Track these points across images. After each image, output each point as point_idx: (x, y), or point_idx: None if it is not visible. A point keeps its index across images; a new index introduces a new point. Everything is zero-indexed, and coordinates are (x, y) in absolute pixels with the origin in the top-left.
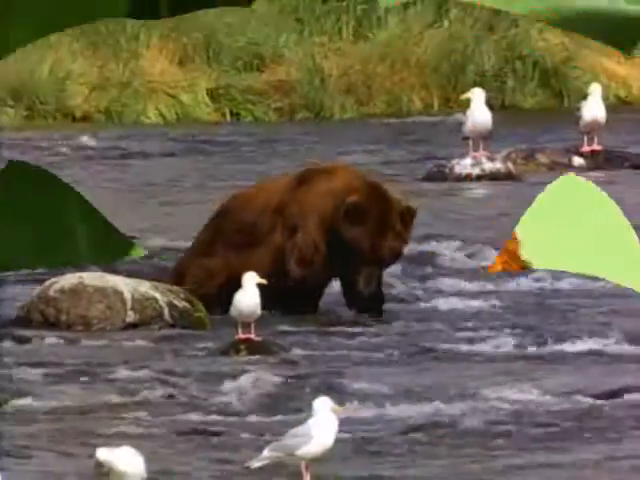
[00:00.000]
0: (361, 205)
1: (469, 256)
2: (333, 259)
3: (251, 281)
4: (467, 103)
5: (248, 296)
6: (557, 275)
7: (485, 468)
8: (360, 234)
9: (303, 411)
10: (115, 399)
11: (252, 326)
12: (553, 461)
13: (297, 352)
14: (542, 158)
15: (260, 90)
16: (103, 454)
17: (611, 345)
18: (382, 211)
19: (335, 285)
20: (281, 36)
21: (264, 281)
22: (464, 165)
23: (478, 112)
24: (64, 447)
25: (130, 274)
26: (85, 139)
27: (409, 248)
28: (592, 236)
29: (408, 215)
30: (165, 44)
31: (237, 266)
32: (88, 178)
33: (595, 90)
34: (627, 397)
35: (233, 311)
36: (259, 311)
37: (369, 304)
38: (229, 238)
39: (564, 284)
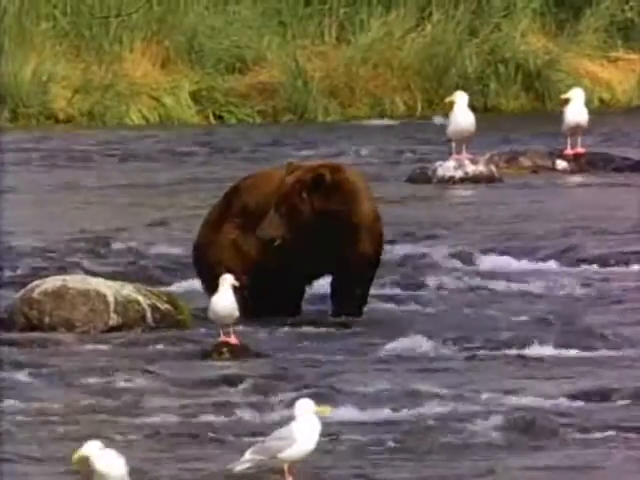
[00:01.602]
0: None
1: (452, 258)
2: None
3: (226, 283)
4: (450, 106)
5: (224, 298)
6: (539, 276)
7: (476, 470)
8: None
9: (286, 413)
10: (98, 402)
11: (231, 329)
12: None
13: (279, 354)
14: (525, 161)
15: (243, 93)
16: (88, 449)
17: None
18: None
19: (317, 286)
20: (264, 39)
21: (237, 283)
22: (447, 167)
23: (461, 115)
24: (48, 450)
25: (112, 276)
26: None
27: (391, 249)
28: None
29: (327, 184)
30: (148, 47)
31: (245, 251)
32: (69, 179)
33: (577, 94)
34: (614, 400)
35: (210, 314)
36: (236, 313)
37: (353, 304)
38: (235, 218)
39: (542, 287)
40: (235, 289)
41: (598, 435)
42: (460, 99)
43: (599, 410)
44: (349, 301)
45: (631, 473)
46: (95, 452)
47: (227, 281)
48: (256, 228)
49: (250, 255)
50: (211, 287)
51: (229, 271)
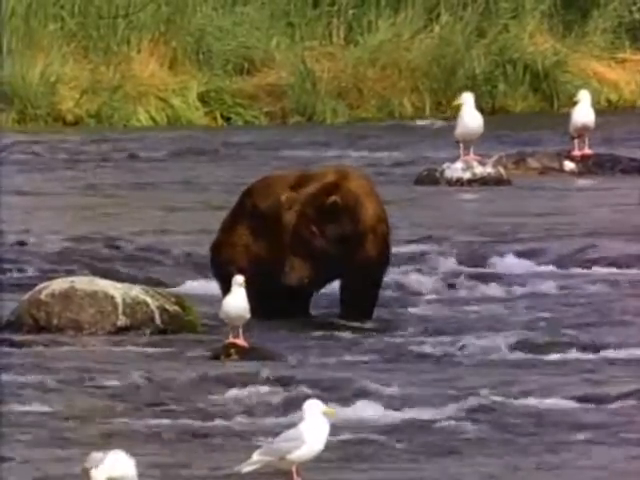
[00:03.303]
0: (286, 197)
1: (460, 260)
2: None
3: (239, 284)
4: (458, 109)
5: (236, 299)
6: (547, 278)
7: (479, 470)
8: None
9: (294, 414)
10: (106, 403)
11: (240, 330)
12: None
13: (287, 355)
14: (533, 162)
15: (251, 94)
16: (99, 475)
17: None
18: (304, 203)
19: (327, 288)
20: (272, 40)
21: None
22: (455, 169)
23: (469, 116)
24: (56, 452)
25: (120, 278)
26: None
27: (400, 251)
28: None
29: (330, 209)
30: (156, 47)
31: (255, 253)
32: (76, 180)
33: (584, 96)
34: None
35: (221, 314)
36: (248, 315)
37: (361, 306)
38: (248, 220)
39: (551, 288)
40: (246, 290)
41: (600, 435)
42: (467, 100)
43: (603, 410)
44: (358, 303)
45: (632, 473)
46: (104, 458)
47: (239, 282)
48: (267, 231)
49: (260, 257)
50: (225, 288)
51: (241, 272)
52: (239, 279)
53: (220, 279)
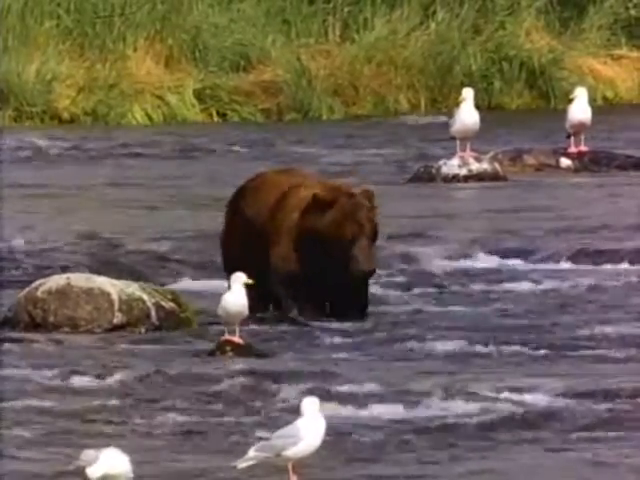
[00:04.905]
0: (323, 196)
1: (456, 257)
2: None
3: (238, 282)
4: (455, 104)
5: (235, 297)
6: (544, 274)
7: (477, 467)
8: (335, 216)
9: (290, 411)
10: (101, 400)
11: (237, 328)
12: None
13: (282, 353)
14: (529, 159)
15: (247, 91)
16: (94, 473)
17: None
18: (347, 195)
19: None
20: (268, 37)
21: (250, 281)
22: (451, 166)
23: (466, 113)
24: (51, 449)
25: (117, 275)
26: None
27: (395, 248)
28: None
29: (368, 195)
30: (151, 45)
31: (252, 252)
32: (74, 178)
33: (580, 93)
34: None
35: (220, 311)
36: (246, 312)
37: (355, 303)
38: (242, 218)
39: (548, 285)
40: (247, 287)
41: (600, 433)
42: (468, 97)
43: (598, 408)
44: (353, 301)
45: (628, 472)
46: (99, 455)
47: (238, 279)
48: (261, 230)
49: (256, 257)
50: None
51: (241, 270)
52: (238, 277)
53: (227, 275)
